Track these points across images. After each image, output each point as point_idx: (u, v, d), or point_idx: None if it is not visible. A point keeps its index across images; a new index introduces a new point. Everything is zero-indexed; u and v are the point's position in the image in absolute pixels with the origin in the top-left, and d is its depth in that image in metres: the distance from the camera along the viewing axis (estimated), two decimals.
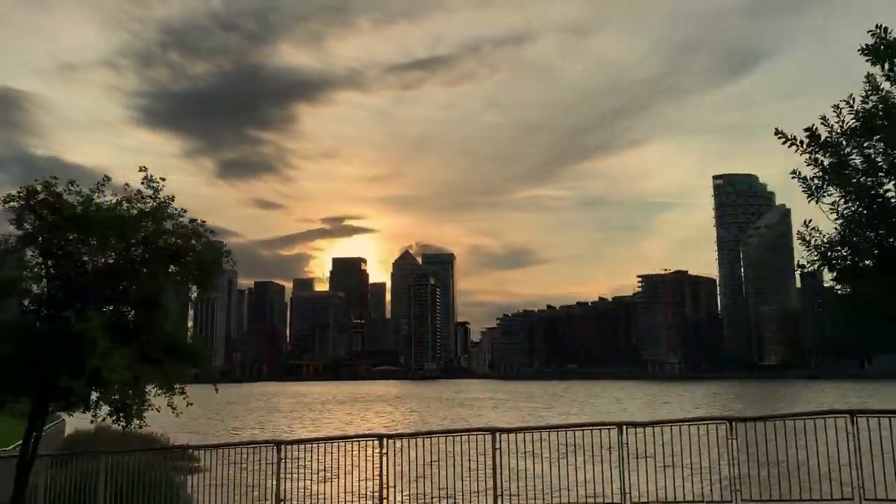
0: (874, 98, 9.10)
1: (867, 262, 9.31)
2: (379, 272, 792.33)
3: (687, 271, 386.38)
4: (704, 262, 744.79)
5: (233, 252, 18.00)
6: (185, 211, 16.62)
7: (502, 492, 13.15)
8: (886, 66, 9.08)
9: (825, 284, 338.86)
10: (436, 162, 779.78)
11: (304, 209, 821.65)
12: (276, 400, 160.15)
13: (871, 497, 11.39)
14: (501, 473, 13.23)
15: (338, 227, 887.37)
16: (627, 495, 12.51)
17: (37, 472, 17.10)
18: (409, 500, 14.15)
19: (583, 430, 13.48)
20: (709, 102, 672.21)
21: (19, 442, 28.54)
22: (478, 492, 13.50)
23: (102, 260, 16.45)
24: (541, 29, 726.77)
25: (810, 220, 9.50)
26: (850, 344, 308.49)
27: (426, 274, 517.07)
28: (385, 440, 14.31)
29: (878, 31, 9.12)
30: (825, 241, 9.50)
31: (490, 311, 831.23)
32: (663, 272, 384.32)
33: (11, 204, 15.63)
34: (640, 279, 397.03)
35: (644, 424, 13.16)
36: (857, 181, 9.19)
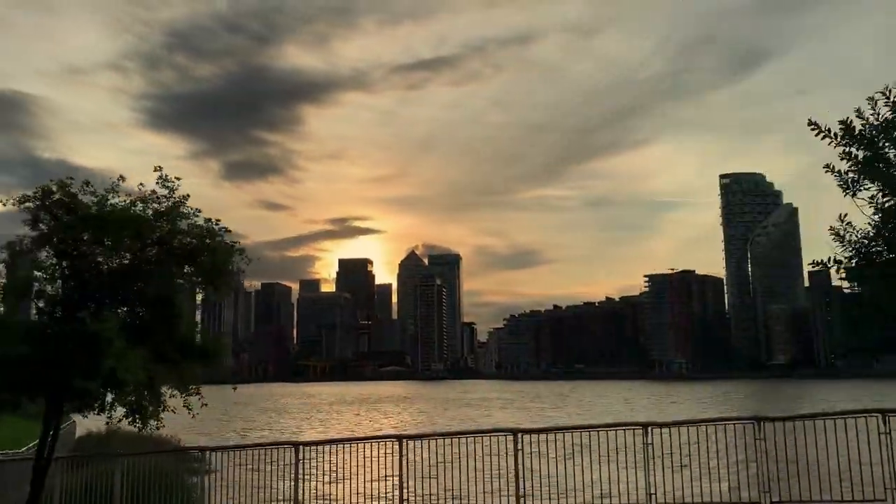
0: None
1: None
2: (385, 273, 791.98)
3: (694, 271, 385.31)
4: (711, 262, 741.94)
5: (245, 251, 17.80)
6: (199, 211, 16.54)
7: (524, 493, 12.96)
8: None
9: (833, 283, 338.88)
10: (441, 162, 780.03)
11: (309, 210, 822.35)
12: (285, 401, 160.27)
13: None
14: (524, 475, 13.03)
15: (343, 228, 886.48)
16: (653, 496, 12.30)
17: (52, 474, 17.00)
18: (430, 501, 13.95)
19: (606, 431, 13.27)
20: (714, 101, 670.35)
21: (31, 444, 28.51)
22: (500, 493, 13.31)
23: (117, 260, 16.36)
24: (546, 29, 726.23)
25: (846, 215, 9.28)
26: (859, 343, 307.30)
27: (432, 274, 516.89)
28: (404, 441, 14.13)
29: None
30: (860, 236, 9.25)
31: (496, 312, 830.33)
32: (670, 272, 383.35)
33: (27, 204, 15.55)
34: (646, 279, 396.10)
35: (669, 424, 12.94)
36: (892, 175, 8.97)
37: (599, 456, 13.00)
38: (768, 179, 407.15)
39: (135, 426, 15.67)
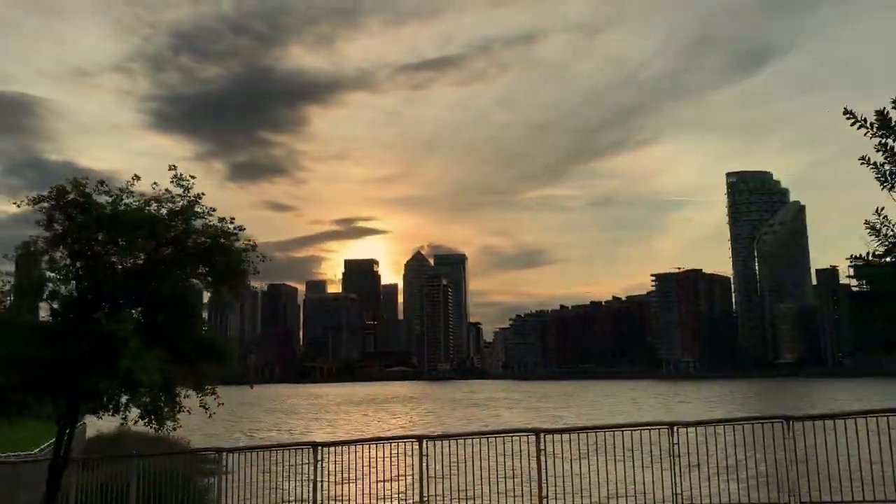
0: None
1: None
2: (391, 273, 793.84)
3: (701, 270, 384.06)
4: (718, 261, 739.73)
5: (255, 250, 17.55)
6: (213, 210, 16.40)
7: (547, 494, 12.77)
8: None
9: (841, 281, 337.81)
10: (446, 162, 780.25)
11: (315, 211, 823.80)
12: (292, 402, 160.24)
13: None
14: (547, 476, 12.83)
15: (349, 229, 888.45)
16: (679, 497, 12.09)
17: (66, 475, 16.89)
18: (450, 502, 13.76)
19: (631, 431, 13.07)
20: (721, 100, 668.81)
21: (43, 445, 28.43)
22: (522, 494, 13.12)
23: (131, 260, 16.23)
24: (551, 28, 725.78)
25: (883, 209, 9.01)
26: (867, 341, 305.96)
27: (438, 275, 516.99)
28: (425, 441, 13.95)
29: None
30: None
31: (502, 312, 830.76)
32: (677, 270, 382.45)
33: (42, 204, 15.45)
34: (653, 278, 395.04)
35: (696, 424, 12.71)
36: None
37: (624, 456, 12.79)
38: (775, 178, 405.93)
39: (151, 427, 15.51)
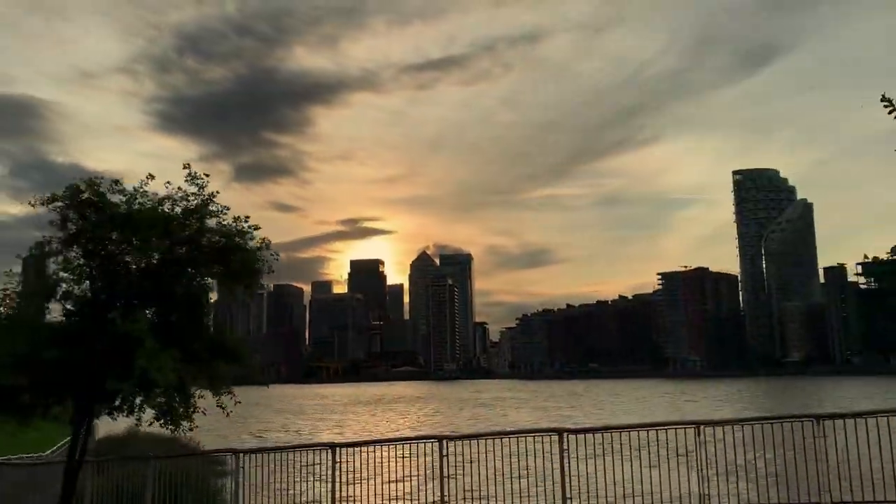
0: None
1: None
2: (396, 273, 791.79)
3: (707, 268, 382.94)
4: (725, 259, 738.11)
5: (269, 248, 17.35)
6: (227, 208, 16.25)
7: (571, 495, 12.56)
8: None
9: (849, 279, 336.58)
10: (451, 162, 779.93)
11: (320, 211, 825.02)
12: (300, 402, 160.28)
13: None
14: (570, 476, 12.63)
15: (355, 229, 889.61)
16: (706, 497, 11.87)
17: (81, 477, 16.76)
18: (472, 503, 13.56)
19: (657, 430, 12.83)
20: (726, 98, 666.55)
21: (55, 447, 28.31)
22: (545, 495, 12.91)
23: (145, 260, 16.10)
24: (555, 27, 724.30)
25: None
26: (876, 339, 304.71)
27: (444, 274, 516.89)
28: (445, 442, 13.76)
29: None
30: None
31: (508, 311, 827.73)
32: (683, 269, 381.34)
33: (56, 204, 15.31)
34: (660, 277, 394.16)
35: (722, 423, 12.49)
36: None
37: (649, 456, 12.57)
38: (782, 175, 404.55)
39: (167, 428, 15.36)
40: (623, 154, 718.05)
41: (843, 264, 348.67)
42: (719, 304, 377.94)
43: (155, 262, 16.00)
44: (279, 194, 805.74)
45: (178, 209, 15.73)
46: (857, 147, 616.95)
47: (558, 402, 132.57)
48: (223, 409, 15.46)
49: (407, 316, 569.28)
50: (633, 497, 12.48)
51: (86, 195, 15.43)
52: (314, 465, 15.05)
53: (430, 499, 13.93)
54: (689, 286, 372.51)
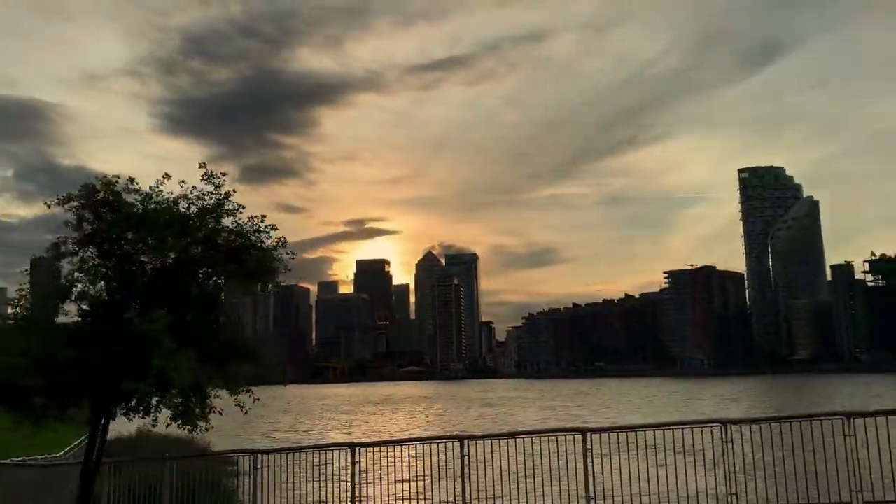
0: None
1: None
2: (402, 274, 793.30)
3: (714, 266, 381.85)
4: (731, 257, 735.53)
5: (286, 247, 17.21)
6: (243, 207, 16.15)
7: (595, 495, 12.39)
8: None
9: (857, 276, 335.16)
10: (456, 162, 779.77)
11: (326, 212, 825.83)
12: (307, 402, 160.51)
13: None
14: (594, 476, 12.46)
15: (360, 230, 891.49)
16: (734, 497, 11.68)
17: (97, 479, 16.67)
18: (494, 503, 13.41)
19: (682, 429, 12.66)
20: (732, 95, 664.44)
21: (67, 448, 28.24)
22: (568, 495, 12.74)
23: (161, 259, 16.00)
24: (560, 26, 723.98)
25: None
26: (884, 337, 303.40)
27: (450, 274, 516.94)
28: (465, 442, 13.60)
29: None
30: None
31: (514, 311, 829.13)
32: (690, 267, 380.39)
33: (72, 203, 15.24)
34: (666, 275, 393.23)
35: (750, 421, 12.30)
36: None
37: (675, 455, 12.39)
38: (788, 173, 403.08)
39: (184, 429, 15.27)
40: (628, 153, 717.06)
41: (850, 262, 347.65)
42: (726, 302, 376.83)
43: (170, 261, 15.92)
44: (285, 195, 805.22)
45: (193, 208, 15.65)
46: (864, 144, 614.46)
47: (565, 402, 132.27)
48: (241, 407, 15.36)
49: (413, 316, 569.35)
50: (659, 497, 12.29)
51: (101, 195, 15.37)
52: (333, 465, 14.90)
53: (451, 499, 13.76)
54: (695, 285, 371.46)
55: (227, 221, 15.96)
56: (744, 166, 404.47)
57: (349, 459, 14.32)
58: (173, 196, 15.82)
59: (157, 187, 15.66)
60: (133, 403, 15.71)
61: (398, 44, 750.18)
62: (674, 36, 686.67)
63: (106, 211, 15.48)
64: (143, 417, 16.02)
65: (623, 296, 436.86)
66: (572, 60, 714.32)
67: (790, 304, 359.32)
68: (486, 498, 13.48)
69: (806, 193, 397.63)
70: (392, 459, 14.30)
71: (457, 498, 13.48)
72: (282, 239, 16.24)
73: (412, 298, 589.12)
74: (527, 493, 13.06)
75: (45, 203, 15.46)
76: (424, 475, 13.92)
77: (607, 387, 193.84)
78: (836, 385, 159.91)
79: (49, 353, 14.66)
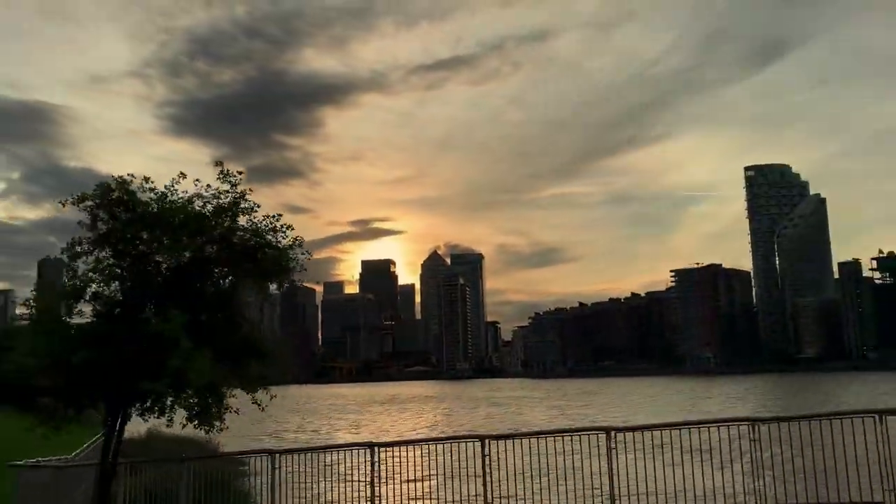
0: None
1: None
2: (407, 273, 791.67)
3: (720, 264, 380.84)
4: (737, 255, 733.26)
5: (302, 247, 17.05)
6: (258, 206, 16.03)
7: (619, 495, 12.21)
8: None
9: (864, 274, 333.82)
10: (460, 162, 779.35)
11: (331, 212, 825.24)
12: (315, 402, 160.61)
13: None
14: (618, 476, 12.28)
15: (365, 230, 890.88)
16: (762, 497, 11.48)
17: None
18: (517, 502, 13.25)
19: (708, 428, 12.46)
20: (737, 93, 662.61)
21: (79, 450, 28.14)
22: (592, 495, 12.57)
23: (176, 259, 15.88)
24: (564, 24, 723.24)
25: None
26: (892, 335, 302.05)
27: (455, 274, 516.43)
28: (487, 441, 13.44)
29: None
30: None
31: (520, 310, 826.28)
32: (696, 266, 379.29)
33: (87, 203, 15.14)
34: (672, 273, 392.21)
35: (779, 420, 12.09)
36: None
37: (701, 454, 12.20)
38: (794, 170, 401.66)
39: (201, 429, 15.15)
40: (633, 151, 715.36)
41: (857, 259, 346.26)
42: (732, 300, 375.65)
43: (185, 260, 15.81)
44: (290, 196, 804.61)
45: (209, 207, 15.54)
46: (872, 141, 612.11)
47: (572, 401, 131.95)
48: (258, 404, 15.27)
49: (418, 316, 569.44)
50: (685, 496, 12.10)
51: (116, 194, 15.28)
52: (351, 465, 14.75)
53: (472, 499, 13.60)
54: (701, 283, 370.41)
55: (242, 220, 15.87)
56: (747, 164, 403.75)
57: (368, 459, 14.18)
58: (188, 195, 15.74)
59: (173, 186, 15.57)
60: (148, 404, 15.63)
61: (402, 44, 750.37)
62: (676, 35, 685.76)
63: (121, 210, 15.39)
64: (158, 418, 15.91)
65: (629, 295, 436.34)
66: (576, 60, 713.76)
67: (797, 301, 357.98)
68: (508, 497, 13.32)
69: (813, 191, 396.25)
70: (411, 459, 14.16)
71: (478, 498, 13.31)
72: (298, 239, 16.14)
73: (418, 298, 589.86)
74: (549, 492, 12.89)
75: (60, 202, 15.38)
76: (444, 475, 13.74)
77: (614, 386, 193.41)
78: (844, 383, 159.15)
79: (63, 354, 14.58)
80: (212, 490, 16.25)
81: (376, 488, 14.04)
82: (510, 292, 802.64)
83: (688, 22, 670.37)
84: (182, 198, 15.66)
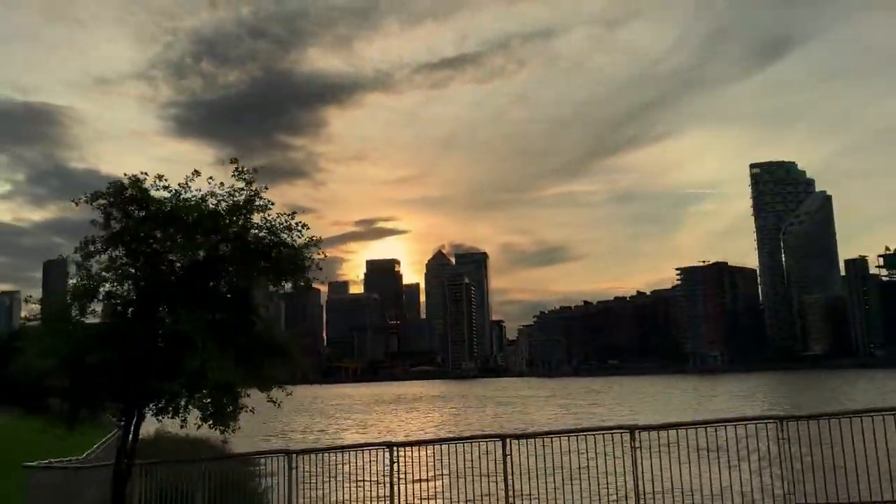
0: None
1: None
2: (412, 273, 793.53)
3: (726, 262, 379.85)
4: (743, 253, 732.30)
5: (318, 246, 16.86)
6: (272, 203, 15.86)
7: (644, 493, 12.02)
8: None
9: (871, 271, 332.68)
10: (465, 161, 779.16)
11: (336, 212, 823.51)
12: (322, 402, 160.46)
13: None
14: (643, 475, 12.08)
15: (370, 230, 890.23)
16: (791, 497, 11.27)
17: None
18: (538, 503, 13.05)
19: (735, 426, 12.25)
20: (741, 91, 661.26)
21: (89, 451, 28.01)
22: (616, 494, 12.39)
23: (190, 258, 15.72)
24: (569, 22, 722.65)
25: None
26: None
27: (460, 273, 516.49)
28: (508, 441, 13.26)
29: None
30: None
31: (525, 309, 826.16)
32: (702, 264, 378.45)
33: (100, 201, 15.00)
34: (678, 271, 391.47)
35: (807, 418, 11.87)
36: None
37: (728, 453, 11.99)
38: (800, 167, 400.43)
39: (217, 429, 15.00)
40: (638, 149, 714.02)
41: (864, 256, 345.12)
42: (738, 298, 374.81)
43: (200, 259, 15.66)
44: (294, 196, 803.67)
45: (224, 205, 15.38)
46: (877, 138, 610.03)
47: (578, 399, 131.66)
48: (274, 402, 15.11)
49: (423, 315, 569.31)
50: (712, 495, 11.90)
51: (130, 192, 15.13)
52: (369, 464, 14.58)
53: (494, 498, 13.42)
54: (707, 281, 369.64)
55: (256, 218, 15.70)
56: (753, 162, 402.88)
57: (387, 459, 14.02)
58: (201, 193, 15.58)
59: (186, 184, 15.41)
60: (163, 404, 15.49)
61: (406, 43, 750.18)
62: (683, 31, 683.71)
63: (134, 209, 15.24)
64: (172, 418, 15.77)
65: (635, 293, 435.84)
66: (581, 57, 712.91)
67: (803, 299, 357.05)
68: (529, 497, 13.13)
69: (818, 188, 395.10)
70: (430, 459, 13.98)
71: (500, 497, 13.13)
72: (314, 238, 15.95)
73: (423, 298, 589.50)
74: (572, 492, 12.70)
75: (73, 200, 15.24)
76: (465, 475, 13.56)
77: (621, 384, 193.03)
78: (851, 380, 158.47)
79: (76, 355, 14.44)
80: (227, 491, 16.11)
81: (395, 488, 13.87)
82: (515, 291, 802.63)
83: (692, 20, 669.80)
84: (196, 196, 15.50)
